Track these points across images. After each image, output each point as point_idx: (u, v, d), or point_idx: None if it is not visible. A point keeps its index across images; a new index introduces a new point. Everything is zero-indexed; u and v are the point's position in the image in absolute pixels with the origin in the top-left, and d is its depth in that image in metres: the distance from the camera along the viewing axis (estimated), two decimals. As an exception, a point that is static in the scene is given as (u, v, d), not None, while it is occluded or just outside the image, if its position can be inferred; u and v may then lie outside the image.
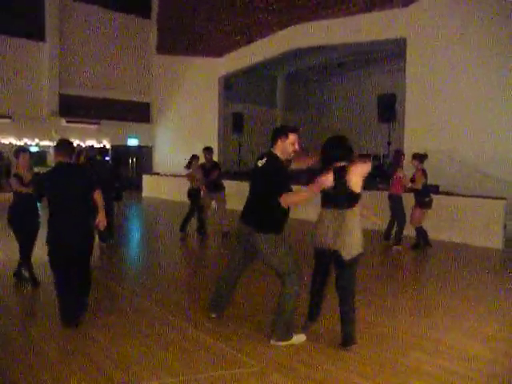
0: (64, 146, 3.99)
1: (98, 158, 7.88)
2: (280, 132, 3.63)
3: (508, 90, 9.16)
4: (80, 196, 3.91)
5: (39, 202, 4.72)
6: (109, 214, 7.24)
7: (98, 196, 4.01)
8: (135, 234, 9.50)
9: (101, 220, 4.08)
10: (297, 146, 3.60)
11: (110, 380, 2.96)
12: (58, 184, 3.87)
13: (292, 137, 3.57)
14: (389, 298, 4.84)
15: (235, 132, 16.82)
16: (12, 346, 3.49)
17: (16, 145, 17.22)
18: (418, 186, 6.98)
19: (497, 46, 9.33)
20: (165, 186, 16.16)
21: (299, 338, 3.57)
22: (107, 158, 7.98)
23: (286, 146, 3.57)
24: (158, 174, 18.00)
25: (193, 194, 8.26)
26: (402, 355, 3.40)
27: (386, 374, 3.09)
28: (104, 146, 18.48)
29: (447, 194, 8.63)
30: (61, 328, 3.76)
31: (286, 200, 3.41)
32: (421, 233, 7.26)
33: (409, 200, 7.38)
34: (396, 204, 7.53)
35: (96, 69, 19.32)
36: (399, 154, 7.75)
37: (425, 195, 7.10)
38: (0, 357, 3.31)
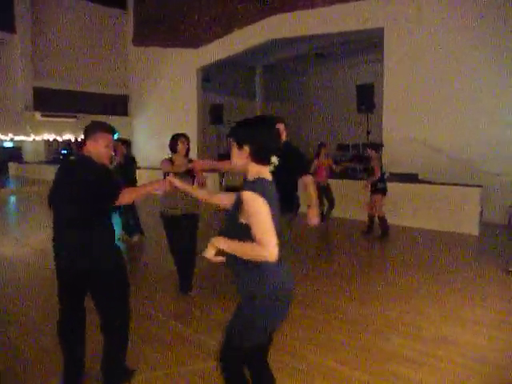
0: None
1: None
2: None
3: (489, 78, 9.25)
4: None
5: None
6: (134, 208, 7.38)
7: None
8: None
9: None
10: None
11: (88, 373, 2.86)
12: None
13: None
14: (362, 284, 4.88)
15: (215, 124, 16.68)
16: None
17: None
18: (378, 174, 7.26)
19: (478, 34, 9.38)
20: (144, 179, 15.96)
21: None
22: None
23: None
24: (138, 168, 17.71)
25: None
26: (380, 340, 3.43)
27: (363, 359, 3.12)
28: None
29: (425, 182, 8.81)
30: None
31: None
32: (384, 220, 7.43)
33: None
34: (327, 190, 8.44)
35: (71, 61, 18.91)
36: (321, 146, 8.56)
37: (384, 182, 7.40)
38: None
